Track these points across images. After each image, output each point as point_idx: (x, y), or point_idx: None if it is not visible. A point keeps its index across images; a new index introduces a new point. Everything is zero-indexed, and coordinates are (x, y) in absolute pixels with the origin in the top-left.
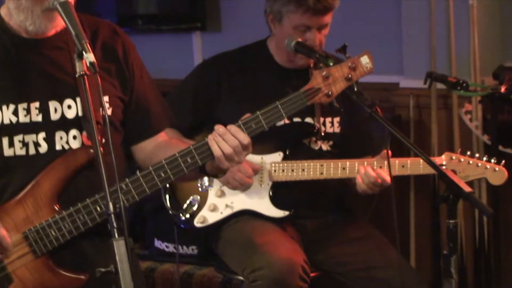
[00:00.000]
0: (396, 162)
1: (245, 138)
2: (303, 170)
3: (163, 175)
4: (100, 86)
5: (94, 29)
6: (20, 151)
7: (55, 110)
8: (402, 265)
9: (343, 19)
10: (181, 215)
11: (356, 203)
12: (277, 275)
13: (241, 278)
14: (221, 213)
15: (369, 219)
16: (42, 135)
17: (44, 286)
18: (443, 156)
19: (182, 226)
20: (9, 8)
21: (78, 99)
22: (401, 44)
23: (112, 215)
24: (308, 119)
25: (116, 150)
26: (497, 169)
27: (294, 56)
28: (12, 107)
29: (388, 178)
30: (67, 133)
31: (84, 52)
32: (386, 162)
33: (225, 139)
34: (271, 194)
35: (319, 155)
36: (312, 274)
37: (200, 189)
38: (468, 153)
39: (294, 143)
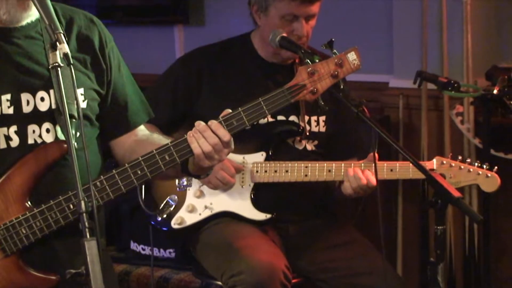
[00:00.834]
0: (385, 165)
1: (226, 135)
2: (286, 171)
3: (139, 172)
4: (74, 79)
5: (69, 18)
6: None
7: (27, 102)
8: (388, 272)
9: (332, 14)
10: (157, 215)
11: (341, 207)
12: (257, 280)
13: (219, 283)
14: (200, 214)
15: (354, 224)
16: (13, 128)
17: (13, 286)
18: (434, 160)
19: (158, 227)
20: None
21: (51, 91)
22: (392, 42)
23: (84, 214)
24: (293, 118)
25: (91, 146)
26: (489, 175)
27: (279, 50)
28: None
29: (374, 181)
30: (40, 126)
31: (57, 43)
32: (373, 165)
33: (204, 136)
34: (252, 195)
35: (304, 155)
36: (293, 280)
37: (178, 188)
38: (460, 157)
39: (278, 142)
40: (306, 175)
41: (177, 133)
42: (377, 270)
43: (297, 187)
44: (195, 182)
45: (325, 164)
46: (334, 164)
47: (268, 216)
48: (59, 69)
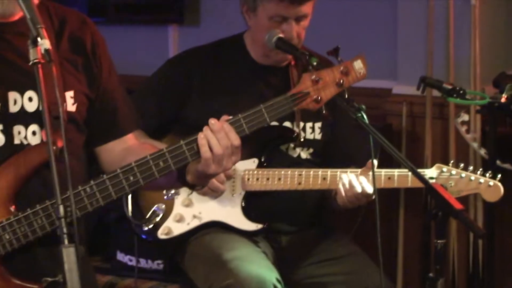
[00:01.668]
0: (382, 173)
1: (236, 139)
2: (279, 179)
3: (132, 178)
4: (55, 77)
5: (61, 18)
6: None
7: (15, 101)
8: (387, 287)
9: (334, 17)
10: (143, 225)
11: (339, 218)
12: None
13: None
14: (188, 224)
15: (353, 236)
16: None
17: None
18: (433, 168)
19: (145, 237)
20: None
21: None
22: (396, 46)
23: (62, 220)
24: (287, 123)
25: (77, 151)
26: (491, 184)
27: (270, 51)
28: None
29: (369, 189)
30: (26, 128)
31: (39, 38)
32: (370, 173)
33: (218, 137)
34: (243, 204)
35: (298, 163)
36: None
37: (165, 197)
38: (461, 165)
39: (271, 149)
40: (299, 183)
41: (166, 138)
42: (375, 286)
43: (290, 196)
44: (184, 190)
45: (320, 172)
46: (329, 172)
47: (260, 226)
48: (40, 66)
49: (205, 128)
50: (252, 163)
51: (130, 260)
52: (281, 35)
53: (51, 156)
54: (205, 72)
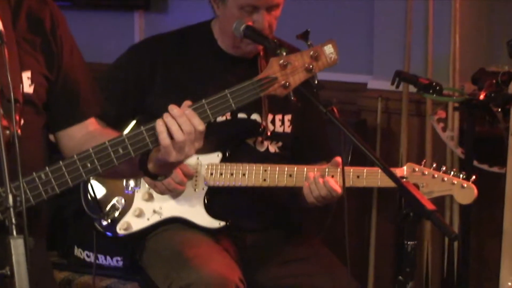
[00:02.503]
0: (351, 171)
1: (200, 124)
2: (244, 174)
3: (89, 165)
4: (7, 59)
5: None
6: None
7: None
8: None
9: (307, 6)
10: (102, 219)
11: (306, 217)
12: None
13: None
14: (148, 219)
15: (323, 238)
16: None
17: None
18: (404, 167)
19: (103, 232)
20: None
21: None
22: (372, 39)
23: (11, 209)
24: (255, 116)
25: (35, 135)
26: (465, 185)
27: (240, 42)
28: None
29: (338, 189)
30: None
31: None
32: (339, 170)
33: (179, 122)
34: (206, 200)
35: (266, 157)
36: None
37: (125, 190)
38: (434, 165)
39: (236, 142)
40: (265, 180)
41: (126, 129)
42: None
43: (256, 192)
44: (144, 184)
45: (286, 168)
46: (295, 168)
47: (222, 223)
48: None
49: (165, 115)
50: (216, 157)
51: (88, 256)
52: (250, 23)
53: (0, 141)
54: (169, 62)
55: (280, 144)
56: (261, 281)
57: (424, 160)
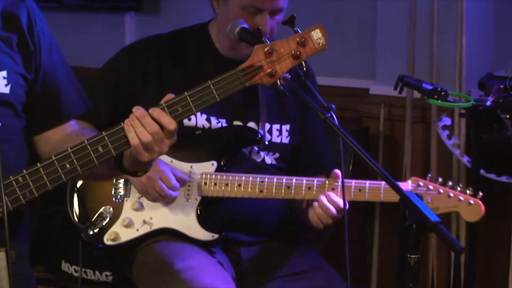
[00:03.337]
0: (352, 184)
1: (171, 123)
2: (239, 185)
3: (68, 166)
4: None
5: None
6: None
7: None
8: None
9: (306, 10)
10: (88, 229)
11: (305, 228)
12: None
13: None
14: (137, 230)
15: (323, 251)
16: None
17: None
18: (409, 182)
19: (89, 243)
20: None
21: None
22: (374, 42)
23: None
24: (252, 124)
25: (14, 138)
26: (472, 202)
27: (237, 44)
28: None
29: (341, 203)
30: None
31: None
32: (338, 183)
33: (143, 123)
34: (199, 211)
35: (261, 168)
36: None
37: (114, 198)
38: (440, 180)
39: (232, 151)
40: (261, 191)
41: None
42: None
43: (252, 204)
44: (134, 193)
45: (284, 179)
46: (294, 180)
47: (216, 236)
48: None
49: (130, 116)
50: (210, 166)
51: (76, 271)
52: (245, 25)
53: None
54: (163, 64)
55: (277, 155)
56: None
57: (429, 175)
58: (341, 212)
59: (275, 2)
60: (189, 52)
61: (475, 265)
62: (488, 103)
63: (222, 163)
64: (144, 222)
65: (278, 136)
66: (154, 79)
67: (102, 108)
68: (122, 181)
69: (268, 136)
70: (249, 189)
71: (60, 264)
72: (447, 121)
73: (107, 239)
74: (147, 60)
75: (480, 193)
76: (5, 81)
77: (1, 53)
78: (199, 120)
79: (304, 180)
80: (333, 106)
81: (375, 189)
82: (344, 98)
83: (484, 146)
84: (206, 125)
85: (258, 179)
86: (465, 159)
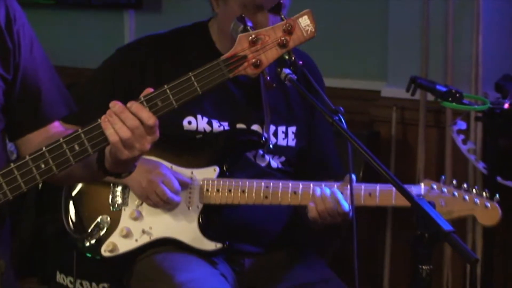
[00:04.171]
0: (362, 188)
1: (150, 118)
2: (243, 191)
3: (43, 166)
4: None
5: None
6: None
7: None
8: None
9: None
10: (84, 240)
11: (313, 239)
12: None
13: None
14: (136, 240)
15: (332, 261)
16: None
17: None
18: (421, 184)
19: (86, 254)
20: None
21: None
22: (386, 42)
23: None
24: (255, 127)
25: None
26: (488, 205)
27: None
28: None
29: (345, 204)
30: None
31: None
32: (348, 188)
33: (122, 118)
34: (200, 220)
35: (267, 173)
36: None
37: (111, 207)
38: (454, 182)
39: (235, 156)
40: (266, 197)
41: None
42: None
43: (256, 211)
44: (132, 202)
45: (290, 185)
46: (301, 185)
47: (219, 246)
48: None
49: (108, 112)
50: (212, 171)
51: (72, 283)
52: (249, 24)
53: None
54: (160, 65)
55: (283, 159)
56: None
57: (443, 176)
58: (342, 217)
59: None
60: (188, 50)
61: (493, 276)
62: (506, 106)
63: (224, 168)
64: (143, 231)
65: (284, 138)
66: (153, 79)
67: (95, 111)
68: (119, 188)
69: (273, 139)
70: (254, 195)
71: (55, 275)
72: (462, 125)
73: (105, 250)
74: (144, 60)
75: (497, 196)
76: None
77: None
78: (200, 123)
79: (311, 185)
80: (341, 108)
81: (386, 193)
82: (354, 101)
83: (501, 151)
84: (208, 128)
85: (262, 184)
86: (480, 165)
